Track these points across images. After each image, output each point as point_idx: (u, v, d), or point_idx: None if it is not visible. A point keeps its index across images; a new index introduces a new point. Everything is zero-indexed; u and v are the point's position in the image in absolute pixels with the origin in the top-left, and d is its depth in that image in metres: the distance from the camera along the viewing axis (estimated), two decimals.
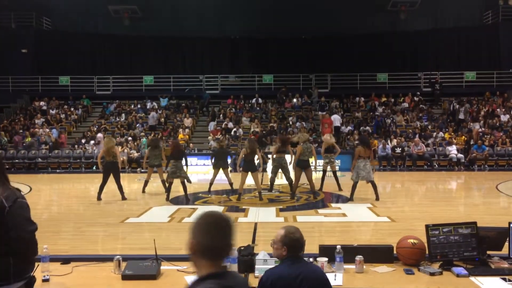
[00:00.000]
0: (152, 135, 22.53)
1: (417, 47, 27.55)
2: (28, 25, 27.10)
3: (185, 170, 11.79)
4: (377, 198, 11.05)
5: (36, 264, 3.24)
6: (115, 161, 11.56)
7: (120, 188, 11.70)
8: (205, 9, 26.92)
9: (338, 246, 3.92)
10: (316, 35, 27.05)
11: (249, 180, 12.10)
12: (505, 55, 26.20)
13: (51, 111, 25.79)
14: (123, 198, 11.68)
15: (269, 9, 26.53)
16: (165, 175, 12.57)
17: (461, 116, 23.27)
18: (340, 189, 13.05)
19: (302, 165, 11.72)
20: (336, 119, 23.43)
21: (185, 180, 11.64)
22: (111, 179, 11.56)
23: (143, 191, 13.16)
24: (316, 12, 26.16)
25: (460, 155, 20.19)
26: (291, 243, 3.12)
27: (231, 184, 13.21)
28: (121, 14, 28.08)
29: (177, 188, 12.08)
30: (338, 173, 14.08)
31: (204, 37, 27.64)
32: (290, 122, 23.81)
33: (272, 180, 12.91)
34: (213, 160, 13.28)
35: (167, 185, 12.00)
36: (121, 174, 11.99)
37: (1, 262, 2.69)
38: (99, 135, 22.44)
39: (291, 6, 26.41)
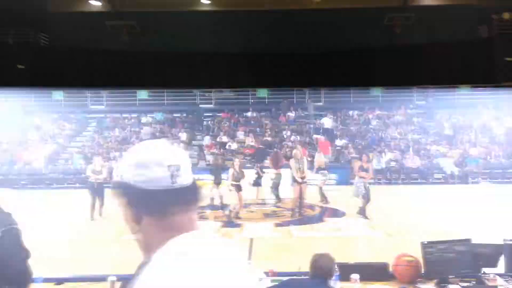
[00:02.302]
0: None
1: (411, 61, 27.67)
2: (25, 41, 27.06)
3: None
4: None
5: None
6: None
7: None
8: (200, 24, 27.01)
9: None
10: (311, 49, 27.17)
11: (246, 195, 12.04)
12: (499, 68, 26.38)
13: (45, 126, 25.71)
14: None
15: (263, 24, 26.66)
16: None
17: (448, 132, 23.38)
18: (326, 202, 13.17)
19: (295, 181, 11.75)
20: (327, 122, 24.25)
21: None
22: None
23: None
24: (310, 26, 26.25)
25: (454, 168, 20.26)
26: (317, 268, 3.44)
27: (221, 196, 13.19)
28: (119, 30, 28.12)
29: None
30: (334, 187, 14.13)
31: (198, 52, 27.67)
32: (285, 136, 23.86)
33: (276, 193, 13.06)
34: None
35: None
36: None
37: None
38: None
39: (286, 21, 26.56)
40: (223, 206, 12.94)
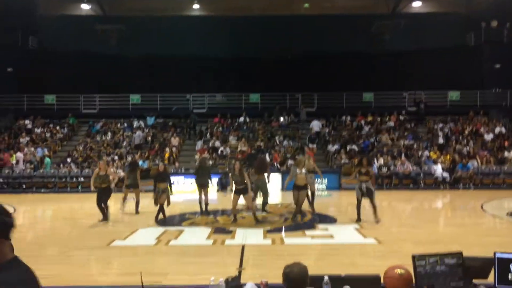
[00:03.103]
0: (139, 154, 22.42)
1: (402, 67, 27.87)
2: (14, 44, 26.96)
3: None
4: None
5: None
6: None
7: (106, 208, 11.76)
8: (191, 29, 27.06)
9: (326, 277, 3.91)
10: (303, 55, 27.32)
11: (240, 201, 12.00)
12: (488, 75, 26.67)
13: (36, 129, 25.58)
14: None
15: (255, 29, 26.76)
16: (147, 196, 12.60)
17: (441, 140, 23.45)
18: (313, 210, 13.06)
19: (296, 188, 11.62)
20: (316, 124, 24.71)
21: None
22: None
23: (137, 212, 13.20)
24: (302, 32, 26.45)
25: (445, 174, 20.37)
26: (289, 281, 3.29)
27: (206, 204, 13.08)
28: (108, 34, 28.09)
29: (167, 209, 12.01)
30: (325, 192, 14.11)
31: (191, 56, 27.72)
32: (277, 141, 23.89)
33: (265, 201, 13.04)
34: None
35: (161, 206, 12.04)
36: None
37: None
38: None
39: (277, 27, 26.68)
40: (207, 212, 12.87)
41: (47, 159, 22.01)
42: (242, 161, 21.31)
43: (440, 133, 23.92)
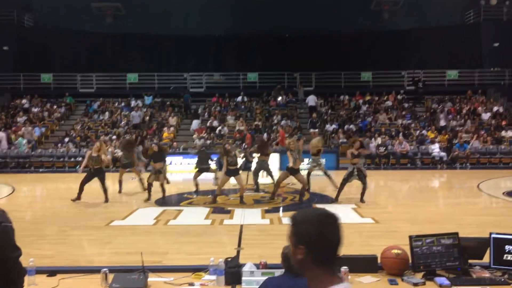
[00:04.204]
0: (136, 133, 22.41)
1: (400, 46, 27.73)
2: (10, 22, 26.69)
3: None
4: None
5: None
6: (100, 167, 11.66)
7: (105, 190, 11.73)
8: (189, 7, 26.79)
9: None
10: (301, 34, 27.11)
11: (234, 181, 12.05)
12: (486, 53, 26.55)
13: (33, 109, 25.48)
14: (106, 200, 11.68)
15: (254, 8, 26.49)
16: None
17: (442, 123, 23.34)
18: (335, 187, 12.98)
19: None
20: (311, 99, 24.75)
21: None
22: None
23: (120, 191, 13.25)
24: (301, 11, 26.20)
25: (442, 154, 20.44)
26: (287, 261, 3.36)
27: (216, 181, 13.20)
28: (104, 12, 27.81)
29: (158, 189, 12.05)
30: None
31: (188, 35, 27.52)
32: (275, 121, 23.87)
33: (256, 181, 13.06)
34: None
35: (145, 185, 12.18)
36: (106, 174, 11.96)
37: None
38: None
39: (275, 5, 26.41)
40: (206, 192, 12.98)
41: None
42: (239, 141, 21.43)
43: (442, 115, 23.74)
